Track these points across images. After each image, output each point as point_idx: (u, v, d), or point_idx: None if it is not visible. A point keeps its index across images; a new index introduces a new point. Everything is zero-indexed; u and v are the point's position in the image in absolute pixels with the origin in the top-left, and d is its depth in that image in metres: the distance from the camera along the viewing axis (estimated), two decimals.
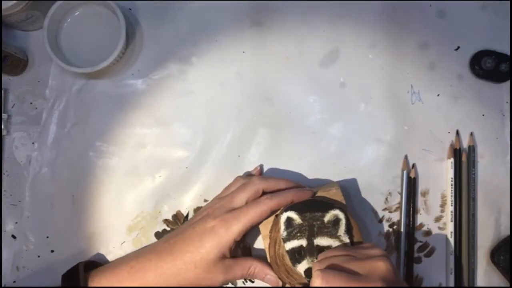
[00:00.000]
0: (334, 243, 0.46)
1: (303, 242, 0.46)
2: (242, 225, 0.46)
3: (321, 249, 0.46)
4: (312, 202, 0.47)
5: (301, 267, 0.46)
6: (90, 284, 0.46)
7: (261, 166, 0.55)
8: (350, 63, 0.57)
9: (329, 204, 0.47)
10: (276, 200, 0.47)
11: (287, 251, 0.46)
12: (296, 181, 0.52)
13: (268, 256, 0.49)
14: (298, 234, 0.46)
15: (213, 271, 0.46)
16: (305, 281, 0.47)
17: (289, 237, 0.46)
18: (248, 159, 0.56)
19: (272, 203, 0.47)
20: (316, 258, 0.46)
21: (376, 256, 0.42)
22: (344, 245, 0.46)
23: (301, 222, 0.47)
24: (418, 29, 0.58)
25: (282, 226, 0.47)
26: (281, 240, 0.47)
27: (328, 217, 0.47)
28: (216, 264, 0.46)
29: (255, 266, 0.48)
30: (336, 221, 0.47)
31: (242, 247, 0.53)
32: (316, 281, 0.39)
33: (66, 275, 0.47)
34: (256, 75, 0.57)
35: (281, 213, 0.47)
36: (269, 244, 0.48)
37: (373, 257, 0.41)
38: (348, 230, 0.47)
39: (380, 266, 0.40)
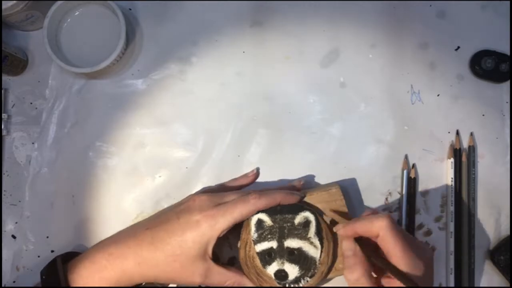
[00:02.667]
0: (304, 245, 0.47)
1: (273, 244, 0.47)
2: (227, 223, 0.45)
3: (291, 251, 0.47)
4: (282, 205, 0.47)
5: (271, 269, 0.47)
6: (70, 275, 0.44)
7: (258, 170, 0.55)
8: (350, 63, 0.57)
9: (300, 206, 0.47)
10: (264, 200, 0.46)
11: (258, 253, 0.47)
12: (292, 185, 0.52)
13: (239, 258, 0.49)
14: (269, 236, 0.47)
15: (191, 269, 0.45)
16: (275, 283, 0.47)
17: (260, 239, 0.47)
18: (248, 159, 0.56)
19: (260, 204, 0.46)
20: (286, 260, 0.46)
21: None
22: None
23: (272, 224, 0.47)
24: (418, 29, 0.58)
25: (253, 228, 0.47)
26: (252, 242, 0.47)
27: (298, 219, 0.47)
28: (196, 261, 0.45)
29: (234, 281, 0.47)
30: (306, 223, 0.47)
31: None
32: (384, 219, 0.41)
33: (44, 270, 0.46)
34: (256, 75, 0.57)
35: (252, 215, 0.47)
36: (240, 245, 0.48)
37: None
38: (319, 232, 0.47)
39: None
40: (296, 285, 0.47)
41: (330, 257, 0.47)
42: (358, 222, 0.43)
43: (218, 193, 0.48)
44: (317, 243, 0.47)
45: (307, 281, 0.47)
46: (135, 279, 0.45)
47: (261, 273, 0.47)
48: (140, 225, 0.48)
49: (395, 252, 0.41)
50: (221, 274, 0.46)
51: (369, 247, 0.43)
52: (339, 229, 0.44)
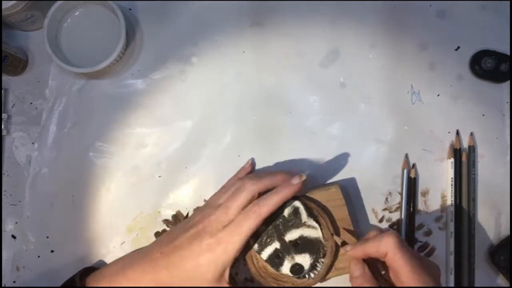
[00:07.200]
0: (303, 231, 0.47)
1: (276, 245, 0.47)
2: (239, 244, 0.44)
3: (294, 243, 0.47)
4: None
5: (285, 268, 0.47)
6: None
7: (253, 160, 0.55)
8: (350, 63, 0.57)
9: None
10: (265, 208, 0.45)
11: (266, 260, 0.47)
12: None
13: (251, 274, 0.49)
14: (268, 240, 0.47)
15: None
16: (294, 279, 0.47)
17: (262, 247, 0.47)
18: (248, 159, 0.56)
19: (263, 212, 0.45)
20: (294, 254, 0.47)
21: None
22: None
23: (265, 228, 0.47)
24: (418, 29, 0.58)
25: (251, 240, 0.47)
26: (255, 254, 0.47)
27: (287, 211, 0.47)
28: (211, 284, 0.44)
29: None
30: (295, 211, 0.47)
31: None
32: (391, 237, 0.42)
33: (63, 286, 0.47)
34: (256, 75, 0.57)
35: None
36: (247, 262, 0.48)
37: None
38: (310, 213, 0.47)
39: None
40: (315, 271, 0.47)
41: (331, 229, 0.48)
42: (367, 244, 0.44)
43: (220, 209, 0.47)
44: (314, 223, 0.47)
45: (322, 261, 0.47)
46: None
47: (278, 277, 0.48)
48: (153, 247, 0.47)
49: (405, 270, 0.41)
50: None
51: (376, 269, 0.44)
52: (348, 251, 0.45)
